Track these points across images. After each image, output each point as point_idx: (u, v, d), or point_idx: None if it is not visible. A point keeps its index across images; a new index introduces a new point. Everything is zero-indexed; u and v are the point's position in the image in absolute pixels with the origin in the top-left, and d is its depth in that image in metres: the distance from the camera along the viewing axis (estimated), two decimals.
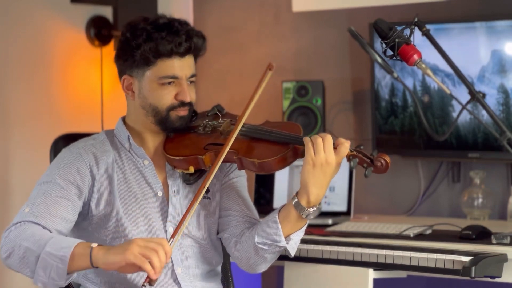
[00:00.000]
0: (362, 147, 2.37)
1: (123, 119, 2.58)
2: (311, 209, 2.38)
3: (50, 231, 2.32)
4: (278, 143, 2.42)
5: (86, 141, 2.53)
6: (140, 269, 2.17)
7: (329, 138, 2.34)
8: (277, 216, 2.41)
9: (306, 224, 2.44)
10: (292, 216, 2.39)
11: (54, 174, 2.42)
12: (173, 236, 2.28)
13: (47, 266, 2.21)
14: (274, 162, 2.38)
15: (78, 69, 4.02)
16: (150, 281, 2.18)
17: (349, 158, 2.35)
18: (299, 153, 2.40)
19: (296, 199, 2.38)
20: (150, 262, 2.15)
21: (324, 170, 2.34)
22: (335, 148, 2.34)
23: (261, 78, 2.34)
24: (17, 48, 3.80)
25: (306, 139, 2.36)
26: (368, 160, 2.35)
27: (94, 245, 2.21)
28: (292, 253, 2.46)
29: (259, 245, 2.42)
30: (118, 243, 2.42)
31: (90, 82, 4.04)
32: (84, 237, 2.46)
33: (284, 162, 2.40)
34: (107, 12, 4.06)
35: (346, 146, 2.34)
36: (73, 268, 2.21)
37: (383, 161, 2.34)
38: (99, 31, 4.03)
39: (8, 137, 3.77)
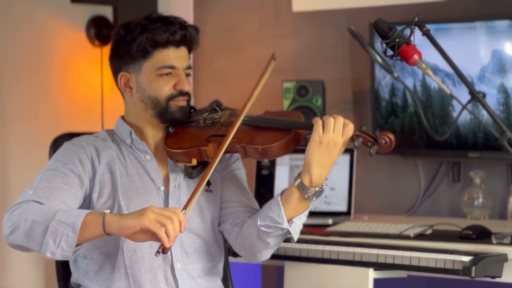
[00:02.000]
0: (364, 127, 2.39)
1: (122, 118, 2.60)
2: (313, 189, 2.39)
3: None
4: (280, 130, 2.44)
5: (88, 136, 2.56)
6: (152, 237, 2.16)
7: (340, 119, 2.38)
8: (279, 199, 2.42)
9: (308, 208, 2.45)
10: (295, 197, 2.40)
11: (57, 163, 2.44)
12: (185, 207, 2.27)
13: (57, 234, 2.20)
14: (277, 148, 2.40)
15: (78, 69, 4.02)
16: (164, 249, 2.17)
17: (353, 138, 2.38)
18: (302, 138, 2.42)
19: (299, 179, 2.39)
20: (165, 230, 2.14)
21: (330, 149, 2.36)
22: None
23: (264, 68, 2.36)
24: (17, 48, 3.80)
25: (316, 118, 2.39)
26: (372, 139, 2.36)
27: (107, 211, 2.22)
28: (295, 237, 2.46)
29: (262, 228, 2.43)
30: (119, 238, 2.43)
31: (90, 82, 4.04)
32: None
33: (287, 147, 2.42)
34: (107, 12, 4.06)
35: (350, 127, 2.38)
36: (84, 236, 2.20)
37: (387, 139, 2.35)
38: (99, 31, 4.03)
39: (8, 137, 3.76)
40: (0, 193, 3.74)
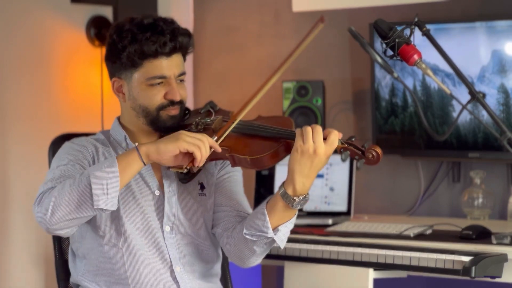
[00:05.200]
0: (353, 139, 2.36)
1: (118, 119, 2.59)
2: (297, 198, 2.36)
3: None
4: (269, 139, 2.40)
5: (87, 138, 2.56)
6: (189, 157, 2.30)
7: (318, 128, 2.33)
8: (264, 207, 2.41)
9: (295, 216, 2.43)
10: (279, 206, 2.39)
11: (63, 159, 2.43)
12: (218, 134, 2.38)
13: (102, 184, 2.23)
14: (266, 158, 2.37)
15: (78, 69, 4.02)
16: (192, 167, 2.32)
17: (340, 150, 2.34)
18: (291, 148, 2.38)
19: (283, 189, 2.37)
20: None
21: (312, 159, 2.32)
22: (325, 139, 2.33)
23: (309, 30, 2.37)
24: (17, 48, 3.80)
25: (297, 130, 2.36)
26: (360, 152, 2.33)
27: (136, 144, 2.32)
28: (281, 245, 2.44)
29: (248, 236, 2.42)
30: (118, 241, 2.43)
31: (90, 82, 4.04)
32: (85, 234, 2.47)
33: (276, 158, 2.39)
34: (107, 12, 4.06)
35: (335, 133, 2.33)
36: (125, 175, 2.27)
37: (374, 153, 2.31)
38: (99, 31, 4.03)
39: (7, 137, 3.76)
40: (0, 193, 3.74)
